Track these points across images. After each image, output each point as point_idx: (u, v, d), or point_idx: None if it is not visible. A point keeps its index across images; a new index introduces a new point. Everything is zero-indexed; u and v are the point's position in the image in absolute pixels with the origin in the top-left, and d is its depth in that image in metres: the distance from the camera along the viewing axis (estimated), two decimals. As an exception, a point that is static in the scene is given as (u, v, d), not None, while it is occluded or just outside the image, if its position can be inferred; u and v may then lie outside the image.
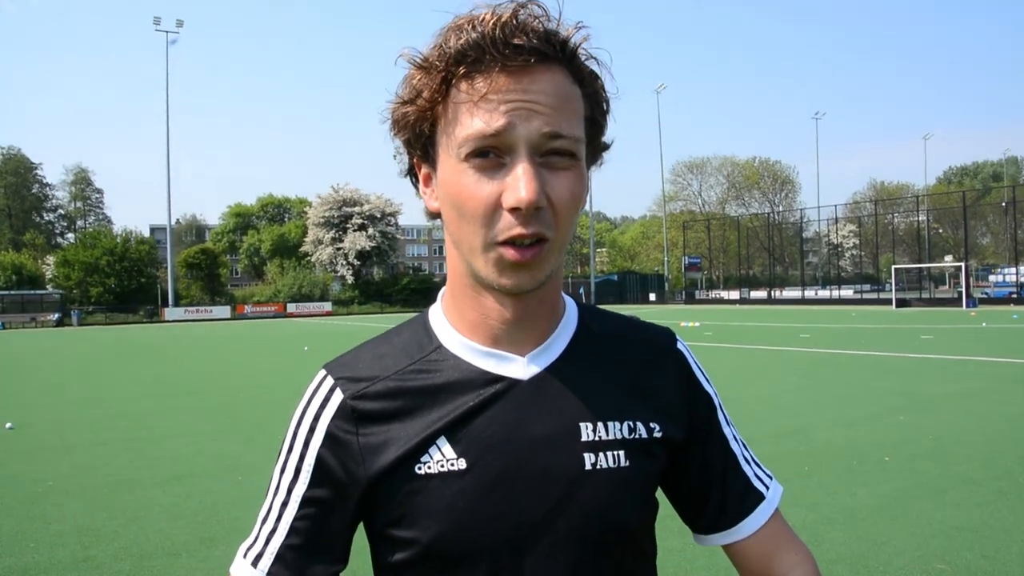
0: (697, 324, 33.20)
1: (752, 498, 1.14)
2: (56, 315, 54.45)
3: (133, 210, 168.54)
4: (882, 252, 73.44)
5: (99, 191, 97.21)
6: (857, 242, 79.57)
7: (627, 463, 1.01)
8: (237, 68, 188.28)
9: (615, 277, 78.76)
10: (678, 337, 1.18)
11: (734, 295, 67.75)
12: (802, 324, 32.29)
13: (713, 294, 71.73)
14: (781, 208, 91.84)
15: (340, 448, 0.99)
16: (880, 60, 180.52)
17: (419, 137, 0.97)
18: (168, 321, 56.39)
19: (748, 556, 1.13)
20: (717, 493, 1.13)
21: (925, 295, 57.67)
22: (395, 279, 71.06)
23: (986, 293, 54.92)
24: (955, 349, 18.78)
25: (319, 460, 1.00)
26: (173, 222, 70.30)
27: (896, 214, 72.95)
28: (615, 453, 1.01)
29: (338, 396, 1.01)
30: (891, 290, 55.27)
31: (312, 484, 1.00)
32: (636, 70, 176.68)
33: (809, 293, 64.83)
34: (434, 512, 0.96)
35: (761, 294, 67.37)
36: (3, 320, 52.53)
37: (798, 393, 11.97)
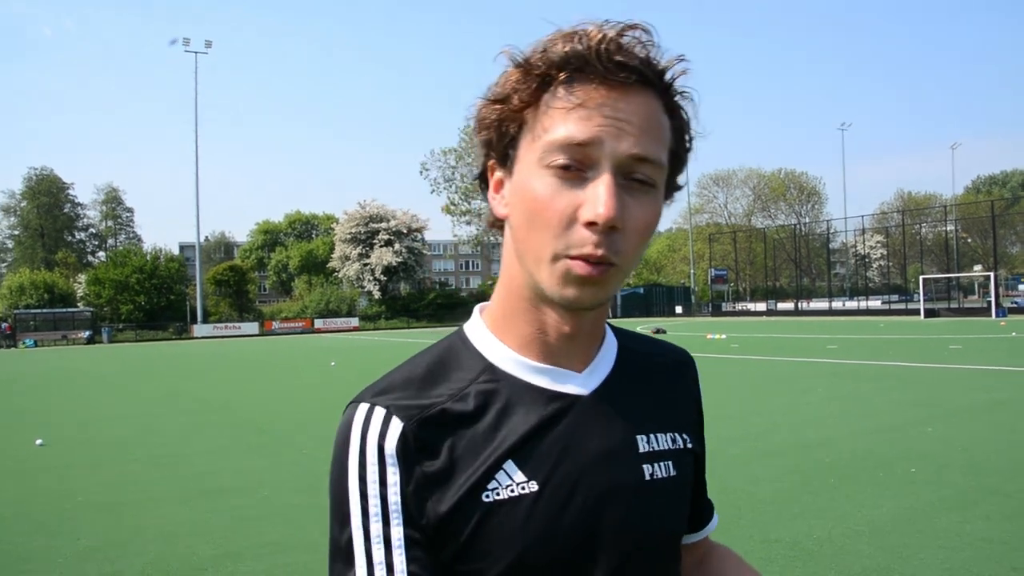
0: (724, 336, 33.03)
1: (709, 506, 1.28)
2: (87, 332, 55.15)
3: (163, 228, 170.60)
4: (910, 262, 72.73)
5: (129, 210, 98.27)
6: (884, 252, 78.86)
7: (675, 472, 1.04)
8: (264, 86, 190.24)
9: (641, 290, 78.47)
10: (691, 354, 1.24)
11: (761, 307, 67.28)
12: (829, 335, 32.01)
13: (740, 306, 71.28)
14: (807, 219, 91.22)
15: (413, 481, 0.91)
16: (906, 70, 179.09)
17: (502, 138, 0.95)
18: (197, 338, 56.91)
19: (694, 552, 1.25)
20: (699, 499, 1.21)
21: (954, 305, 56.99)
22: (422, 294, 71.28)
23: (1016, 303, 54.13)
24: (984, 359, 18.54)
25: (403, 497, 0.91)
26: (202, 239, 71.05)
27: (924, 224, 72.35)
28: (666, 463, 1.03)
29: (397, 424, 0.93)
30: (919, 300, 54.66)
31: (407, 523, 0.90)
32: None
33: (836, 304, 64.26)
34: (506, 539, 0.91)
35: (788, 306, 66.86)
36: (35, 338, 53.31)
37: (824, 404, 11.87)
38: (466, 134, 71.40)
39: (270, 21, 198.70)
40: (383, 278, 68.57)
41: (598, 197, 0.86)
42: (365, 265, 68.74)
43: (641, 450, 1.01)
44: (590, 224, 0.87)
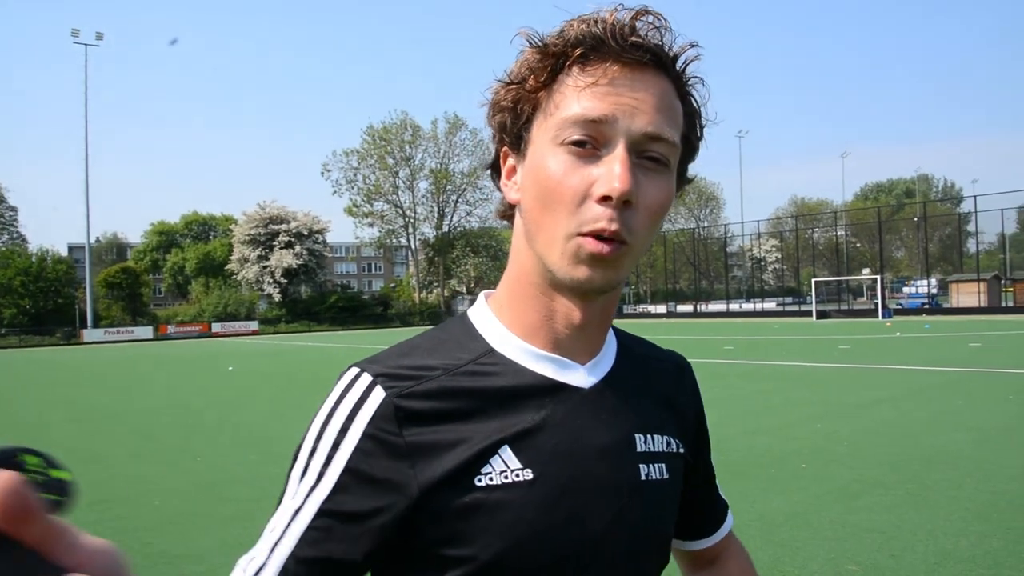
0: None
1: (723, 506, 1.26)
2: (-33, 338, 52.46)
3: (50, 229, 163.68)
4: (803, 266, 75.31)
5: (13, 209, 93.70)
6: (779, 256, 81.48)
7: (668, 475, 1.02)
8: (159, 81, 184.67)
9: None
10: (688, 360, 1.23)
11: (661, 309, 68.71)
12: (726, 336, 32.89)
13: (641, 308, 72.67)
14: (706, 224, 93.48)
15: (382, 453, 0.87)
16: (800, 80, 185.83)
17: (517, 119, 0.94)
18: (87, 343, 54.66)
19: (707, 555, 1.24)
20: (706, 505, 1.22)
21: (844, 307, 59.37)
22: (323, 297, 70.20)
23: (900, 304, 56.72)
24: (870, 358, 19.39)
25: (351, 467, 0.87)
26: (92, 240, 68.41)
27: (816, 229, 74.98)
28: (660, 465, 1.01)
29: (379, 394, 0.89)
30: (812, 302, 56.66)
31: (336, 491, 0.86)
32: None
33: (733, 306, 66.11)
34: (497, 527, 0.88)
35: (687, 308, 68.42)
36: (-90, 344, 50.41)
37: (721, 404, 12.17)
38: (368, 135, 70.79)
39: (165, 14, 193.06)
40: (283, 281, 67.26)
41: (613, 172, 0.86)
42: (265, 267, 67.31)
43: (639, 449, 0.99)
44: (604, 199, 0.86)
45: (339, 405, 0.90)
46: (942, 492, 6.44)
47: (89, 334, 56.27)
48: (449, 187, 73.88)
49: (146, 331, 58.55)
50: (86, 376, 23.86)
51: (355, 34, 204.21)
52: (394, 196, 72.74)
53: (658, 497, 1.00)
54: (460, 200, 74.87)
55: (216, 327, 61.02)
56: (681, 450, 1.07)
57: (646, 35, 0.90)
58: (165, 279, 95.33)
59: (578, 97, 0.88)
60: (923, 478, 6.90)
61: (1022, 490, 6.40)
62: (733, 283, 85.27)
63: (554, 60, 0.90)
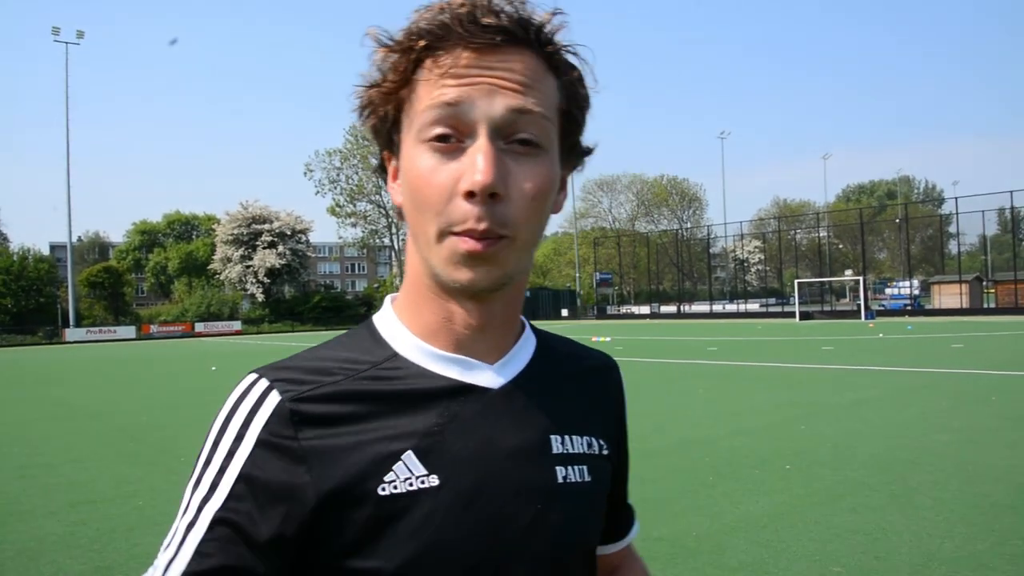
0: (608, 339, 33.59)
1: (630, 511, 1.24)
2: (-54, 337, 51.95)
3: (32, 228, 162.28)
4: (786, 267, 75.66)
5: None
6: (762, 257, 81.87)
7: (589, 478, 0.98)
8: (141, 80, 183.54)
9: (528, 293, 78.11)
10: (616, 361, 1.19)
11: (645, 310, 68.84)
12: (710, 337, 33.02)
13: (624, 309, 72.73)
14: (689, 225, 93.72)
15: (277, 459, 0.84)
16: (781, 81, 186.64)
17: (384, 122, 0.91)
18: (69, 342, 54.27)
19: (606, 564, 1.20)
20: (615, 510, 1.17)
21: (827, 308, 59.71)
22: (306, 297, 70.02)
23: (883, 305, 57.03)
24: (853, 359, 19.48)
25: (245, 474, 0.83)
26: (74, 239, 67.95)
27: (798, 230, 75.29)
28: (580, 468, 0.97)
29: (274, 397, 0.86)
30: (795, 303, 57.00)
31: (230, 500, 0.82)
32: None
33: (717, 307, 66.33)
34: (402, 537, 0.84)
35: (671, 309, 68.62)
36: None
37: (705, 404, 12.22)
38: (351, 135, 70.57)
39: (146, 13, 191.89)
40: (267, 280, 67.03)
41: (475, 164, 0.82)
42: (248, 267, 67.06)
43: (555, 451, 0.95)
44: (469, 195, 0.82)
45: (234, 412, 0.87)
46: (927, 493, 6.46)
47: (71, 333, 55.88)
48: (433, 187, 73.74)
49: (129, 331, 58.19)
50: (69, 376, 23.65)
51: (336, 32, 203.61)
52: (377, 196, 72.60)
53: (578, 501, 0.96)
54: (444, 200, 74.76)
55: (199, 327, 60.75)
56: (605, 451, 1.03)
57: (502, 12, 0.85)
58: (148, 279, 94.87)
59: (432, 89, 0.85)
60: (907, 479, 6.92)
61: (1007, 491, 6.43)
62: (716, 284, 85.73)
63: (405, 57, 0.86)
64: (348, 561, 0.84)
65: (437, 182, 0.83)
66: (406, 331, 0.94)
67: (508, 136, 0.84)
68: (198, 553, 0.81)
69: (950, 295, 51.71)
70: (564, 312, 72.11)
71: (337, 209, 73.12)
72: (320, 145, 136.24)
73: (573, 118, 0.92)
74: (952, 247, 68.46)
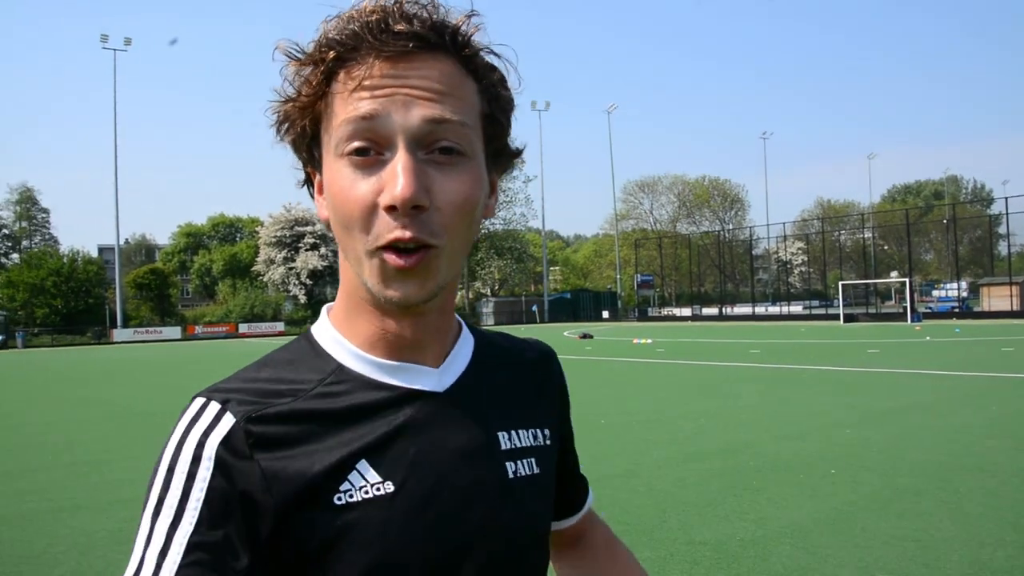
0: (649, 341, 33.42)
1: (584, 484, 1.26)
2: (0, 337, 53.14)
3: (81, 230, 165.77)
4: (830, 268, 74.80)
5: (45, 211, 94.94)
6: (805, 259, 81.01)
7: (538, 470, 1.00)
8: (187, 85, 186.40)
9: (568, 295, 79.13)
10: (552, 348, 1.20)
11: (686, 312, 68.38)
12: (752, 340, 32.69)
13: (665, 311, 72.32)
14: (731, 226, 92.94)
15: (240, 477, 0.83)
16: (825, 80, 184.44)
17: (303, 137, 0.90)
18: (117, 342, 55.29)
19: (571, 533, 1.24)
20: (570, 487, 1.20)
21: (872, 310, 58.82)
22: (348, 298, 70.55)
23: (930, 308, 56.23)
24: (900, 363, 19.19)
25: (211, 494, 0.81)
26: (122, 242, 69.16)
27: (843, 231, 74.44)
28: (528, 460, 0.99)
29: (228, 420, 0.85)
30: (839, 306, 56.24)
31: (201, 526, 0.80)
32: (588, 91, 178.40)
33: (759, 309, 65.75)
34: (362, 545, 0.84)
35: (712, 311, 68.12)
36: (-57, 343, 51.19)
37: (747, 408, 12.10)
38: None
39: (193, 19, 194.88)
40: (309, 282, 67.73)
41: (395, 177, 0.81)
42: (290, 269, 67.80)
43: (503, 447, 0.97)
44: (390, 209, 0.81)
45: (188, 435, 0.85)
46: (977, 501, 6.34)
47: (119, 334, 56.92)
48: (473, 189, 74.04)
49: (174, 331, 59.13)
50: (117, 376, 24.10)
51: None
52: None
53: (530, 493, 0.98)
54: (484, 202, 75.04)
55: (243, 328, 61.49)
56: (549, 441, 1.05)
57: (414, 17, 0.83)
58: (192, 280, 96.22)
59: (346, 103, 0.83)
60: (957, 486, 6.80)
61: (1058, 499, 6.29)
62: (759, 286, 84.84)
63: (317, 69, 0.85)
64: (310, 571, 0.84)
65: (358, 197, 0.82)
66: (346, 342, 0.94)
67: (428, 146, 0.83)
68: None
69: (1000, 297, 50.71)
70: (605, 314, 71.92)
71: (379, 211, 73.64)
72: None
73: (496, 121, 0.91)
74: (1002, 248, 67.24)
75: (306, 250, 67.53)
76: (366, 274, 0.85)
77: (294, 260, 67.73)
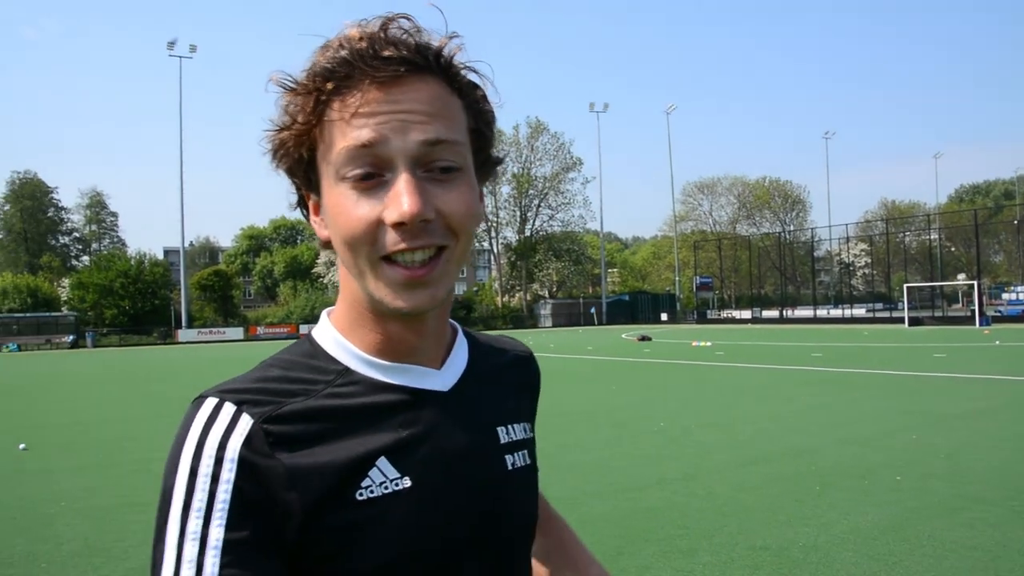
0: (709, 344, 33.10)
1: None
2: (71, 337, 54.72)
3: (147, 233, 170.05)
4: (894, 271, 73.17)
5: (114, 214, 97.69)
6: (869, 261, 79.37)
7: (528, 461, 1.09)
8: (249, 90, 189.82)
9: (627, 297, 78.69)
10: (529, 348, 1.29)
11: (746, 314, 67.53)
12: (814, 343, 32.14)
13: (725, 313, 71.50)
14: (792, 227, 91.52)
15: (263, 476, 0.85)
16: (889, 79, 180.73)
17: (299, 164, 0.94)
18: (182, 343, 56.56)
19: None
20: None
21: (938, 313, 57.33)
22: (406, 299, 71.11)
23: (999, 311, 54.59)
24: (968, 367, 18.69)
25: (237, 494, 0.84)
26: (187, 244, 70.71)
27: (907, 232, 72.84)
28: (522, 452, 1.08)
29: (246, 420, 0.87)
30: (903, 309, 55.00)
31: (232, 525, 0.82)
32: (647, 92, 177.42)
33: (821, 312, 64.51)
34: (381, 537, 0.89)
35: (773, 313, 67.13)
36: (18, 342, 52.87)
37: (809, 412, 11.92)
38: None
39: (255, 25, 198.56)
40: (368, 284, 68.47)
41: (399, 196, 0.85)
42: (350, 271, 68.64)
43: (502, 441, 1.05)
44: (398, 226, 0.85)
45: (207, 436, 0.86)
46: (1049, 509, 6.16)
47: (184, 334, 58.21)
48: (531, 191, 74.19)
49: (237, 332, 60.24)
50: (182, 374, 24.65)
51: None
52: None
53: (524, 483, 1.07)
54: (542, 204, 75.18)
55: (303, 328, 62.24)
56: (531, 433, 1.15)
57: (400, 42, 0.88)
58: (254, 282, 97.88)
59: (345, 130, 0.87)
60: (1028, 494, 6.61)
61: None
62: (820, 288, 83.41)
63: (312, 98, 0.88)
64: (331, 565, 0.88)
65: (363, 216, 0.87)
66: (350, 346, 0.98)
67: (426, 164, 0.88)
68: None
69: (1073, 300, 49.06)
70: (663, 316, 71.42)
71: (435, 213, 74.13)
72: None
73: (482, 134, 0.97)
74: (1075, 250, 65.02)
75: (365, 252, 68.32)
76: (373, 287, 0.90)
77: (353, 262, 68.57)
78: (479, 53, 0.95)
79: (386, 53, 0.86)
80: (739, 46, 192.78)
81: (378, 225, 0.87)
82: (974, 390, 14.17)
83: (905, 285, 56.87)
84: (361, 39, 0.87)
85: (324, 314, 1.05)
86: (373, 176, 0.87)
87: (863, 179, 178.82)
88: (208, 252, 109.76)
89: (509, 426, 1.07)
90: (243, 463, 0.85)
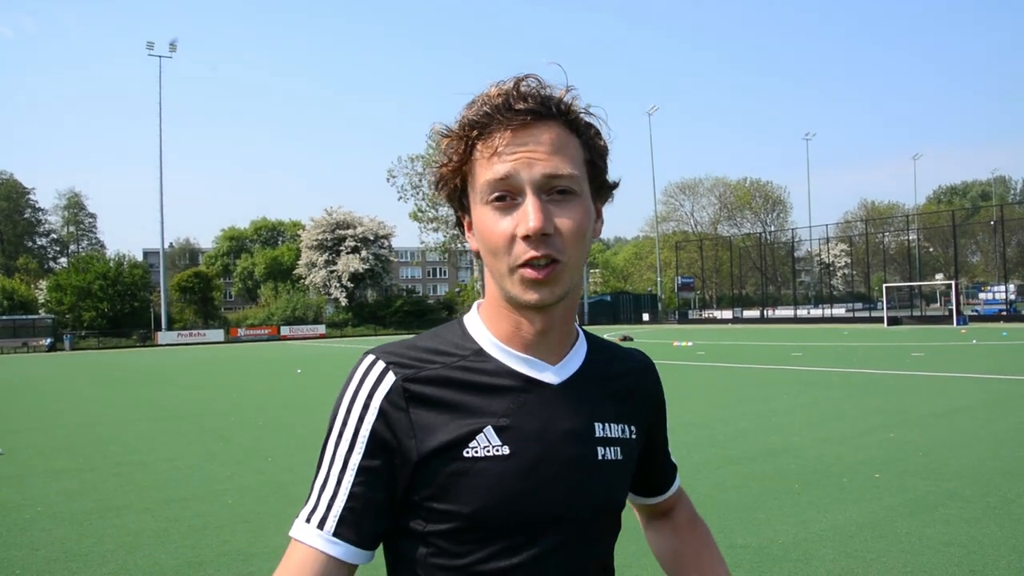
0: (690, 343, 33.21)
1: (672, 468, 1.53)
2: (48, 340, 54.20)
3: (126, 234, 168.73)
4: (873, 271, 73.65)
5: (92, 215, 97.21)
6: (848, 261, 79.97)
7: (621, 457, 1.25)
8: (230, 91, 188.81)
9: (608, 297, 78.81)
10: (652, 359, 1.45)
11: (727, 314, 67.81)
12: (794, 343, 32.33)
13: (706, 313, 71.78)
14: (773, 228, 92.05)
15: (395, 424, 1.13)
16: (869, 80, 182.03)
17: (455, 192, 1.20)
18: (161, 345, 56.19)
19: (661, 508, 1.54)
20: (659, 469, 1.49)
21: (916, 313, 57.81)
22: (389, 301, 71.01)
23: (976, 311, 55.08)
24: (945, 366, 18.86)
25: (373, 433, 1.12)
26: (166, 246, 70.31)
27: (887, 233, 73.29)
28: (615, 448, 1.24)
29: (391, 377, 1.14)
30: (882, 308, 55.42)
31: (367, 455, 1.12)
32: (629, 93, 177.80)
33: (801, 312, 64.89)
34: (479, 489, 1.12)
35: (754, 313, 67.47)
36: (-6, 345, 52.28)
37: (790, 411, 11.98)
38: (433, 141, 70.94)
39: (236, 25, 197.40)
40: (350, 285, 68.22)
41: (527, 215, 1.09)
42: (332, 272, 68.36)
43: (597, 435, 1.22)
44: (526, 238, 1.09)
45: (361, 385, 1.16)
46: (1025, 506, 6.22)
47: (163, 336, 57.84)
48: (513, 192, 74.04)
49: (217, 334, 59.95)
50: (161, 377, 24.45)
51: (421, 39, 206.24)
52: (459, 201, 73.09)
53: (612, 474, 1.23)
54: (525, 204, 75.03)
55: (285, 330, 62.13)
56: (635, 436, 1.30)
57: (529, 95, 1.12)
58: (235, 283, 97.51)
59: (487, 166, 1.12)
60: (1005, 491, 6.66)
61: (1111, 505, 6.14)
62: (801, 288, 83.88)
63: (462, 143, 1.14)
64: (433, 503, 1.13)
65: (501, 231, 1.11)
66: (488, 332, 1.23)
67: (549, 190, 1.11)
68: (352, 495, 1.12)
69: (1049, 300, 49.53)
70: (645, 316, 71.60)
71: (419, 214, 73.89)
72: (402, 151, 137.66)
73: (596, 165, 1.20)
74: (1051, 250, 65.64)
75: (347, 253, 68.02)
76: (509, 286, 1.14)
77: (335, 263, 68.27)
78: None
79: (518, 106, 1.11)
80: (721, 48, 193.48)
81: (512, 239, 1.10)
82: (951, 389, 14.30)
83: (884, 285, 57.34)
84: (499, 95, 1.12)
85: (475, 305, 1.29)
86: (507, 199, 1.11)
87: (843, 180, 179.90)
88: (188, 253, 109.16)
89: (608, 424, 1.25)
90: (382, 411, 1.13)
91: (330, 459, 1.15)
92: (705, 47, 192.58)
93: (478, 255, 1.21)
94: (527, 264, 1.10)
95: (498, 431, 1.14)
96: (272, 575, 1.10)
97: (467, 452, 1.12)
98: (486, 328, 1.23)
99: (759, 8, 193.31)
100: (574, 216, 1.12)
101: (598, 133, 1.20)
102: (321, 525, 1.12)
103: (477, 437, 1.13)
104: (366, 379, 1.16)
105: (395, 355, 1.18)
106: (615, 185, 1.26)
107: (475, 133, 1.13)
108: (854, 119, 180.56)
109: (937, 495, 6.64)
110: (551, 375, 1.21)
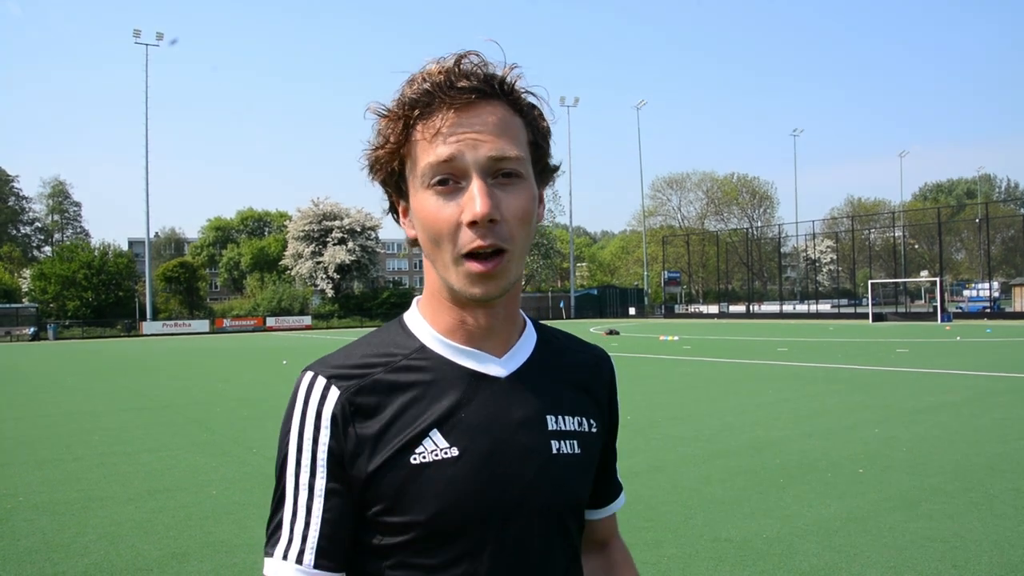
0: (676, 338, 33.30)
1: (617, 487, 1.43)
2: (32, 329, 53.78)
3: (112, 224, 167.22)
4: (859, 267, 74.04)
5: (77, 204, 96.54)
6: (834, 257, 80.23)
7: (579, 451, 1.20)
8: (217, 80, 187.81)
9: (595, 291, 78.91)
10: (609, 354, 1.40)
11: (713, 309, 68.03)
12: (780, 338, 32.47)
13: (692, 308, 71.98)
14: (759, 223, 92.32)
15: (345, 442, 1.08)
16: (857, 78, 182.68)
17: (391, 176, 1.14)
18: (146, 335, 55.83)
19: (598, 529, 1.42)
20: (603, 483, 1.37)
21: (901, 309, 58.19)
22: (375, 293, 70.80)
23: (960, 307, 55.51)
24: (929, 363, 18.97)
25: (331, 452, 1.08)
26: (152, 235, 69.84)
27: (873, 230, 73.60)
28: (571, 442, 1.19)
29: (335, 392, 1.10)
30: (868, 304, 55.70)
31: (330, 477, 1.08)
32: (617, 87, 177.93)
33: (787, 307, 65.19)
34: (429, 496, 1.07)
35: (740, 308, 67.67)
36: (-23, 334, 51.89)
37: (774, 406, 12.02)
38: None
39: (223, 13, 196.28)
40: (336, 276, 68.00)
41: (473, 199, 1.04)
42: (318, 263, 68.10)
43: (550, 428, 1.17)
44: (472, 224, 1.04)
45: (308, 405, 1.11)
46: (1008, 502, 6.25)
47: (148, 326, 57.47)
48: (500, 185, 74.01)
49: (203, 324, 59.63)
50: (146, 367, 24.33)
51: (401, 31, 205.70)
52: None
53: (569, 468, 1.18)
54: (511, 198, 75.01)
55: (270, 321, 61.87)
56: (595, 430, 1.25)
57: (471, 74, 1.07)
58: (221, 274, 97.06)
59: (428, 147, 1.07)
60: (987, 487, 6.71)
61: (1092, 501, 6.18)
62: (787, 284, 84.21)
63: (401, 122, 1.09)
64: (387, 517, 1.09)
65: (445, 217, 1.06)
66: (430, 328, 1.18)
67: (494, 173, 1.07)
68: (324, 522, 1.08)
69: (1032, 297, 49.91)
70: (631, 310, 71.74)
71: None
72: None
73: (540, 147, 1.16)
74: (1035, 248, 66.10)
75: (334, 244, 67.75)
76: (453, 278, 1.09)
77: (322, 254, 68.01)
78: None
79: (460, 84, 1.06)
80: (709, 43, 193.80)
81: (457, 225, 1.05)
82: (935, 385, 14.39)
83: (870, 281, 57.67)
84: (440, 73, 1.07)
85: (414, 301, 1.24)
86: (449, 182, 1.06)
87: (830, 176, 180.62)
88: (174, 243, 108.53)
89: (561, 416, 1.20)
90: (334, 427, 1.09)
91: (293, 487, 1.09)
92: (693, 42, 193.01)
93: (414, 243, 1.17)
94: (472, 255, 1.05)
95: (445, 433, 1.10)
96: None
97: (414, 459, 1.08)
98: (427, 323, 1.18)
99: (748, 4, 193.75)
100: (520, 201, 1.08)
101: (541, 114, 1.16)
102: (300, 559, 1.07)
103: (423, 442, 1.09)
104: (311, 398, 1.11)
105: (334, 368, 1.13)
106: (557, 168, 1.22)
107: (415, 113, 1.08)
108: (842, 116, 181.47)
109: (920, 490, 6.68)
110: (498, 368, 1.17)
